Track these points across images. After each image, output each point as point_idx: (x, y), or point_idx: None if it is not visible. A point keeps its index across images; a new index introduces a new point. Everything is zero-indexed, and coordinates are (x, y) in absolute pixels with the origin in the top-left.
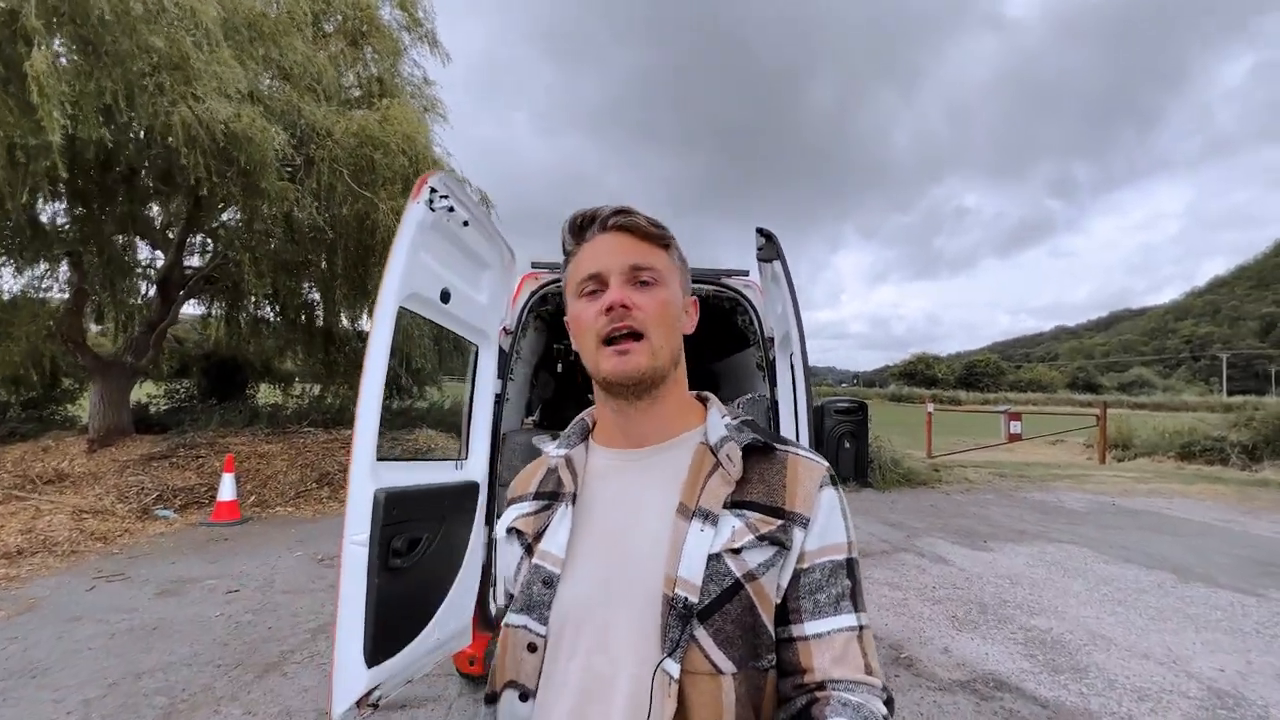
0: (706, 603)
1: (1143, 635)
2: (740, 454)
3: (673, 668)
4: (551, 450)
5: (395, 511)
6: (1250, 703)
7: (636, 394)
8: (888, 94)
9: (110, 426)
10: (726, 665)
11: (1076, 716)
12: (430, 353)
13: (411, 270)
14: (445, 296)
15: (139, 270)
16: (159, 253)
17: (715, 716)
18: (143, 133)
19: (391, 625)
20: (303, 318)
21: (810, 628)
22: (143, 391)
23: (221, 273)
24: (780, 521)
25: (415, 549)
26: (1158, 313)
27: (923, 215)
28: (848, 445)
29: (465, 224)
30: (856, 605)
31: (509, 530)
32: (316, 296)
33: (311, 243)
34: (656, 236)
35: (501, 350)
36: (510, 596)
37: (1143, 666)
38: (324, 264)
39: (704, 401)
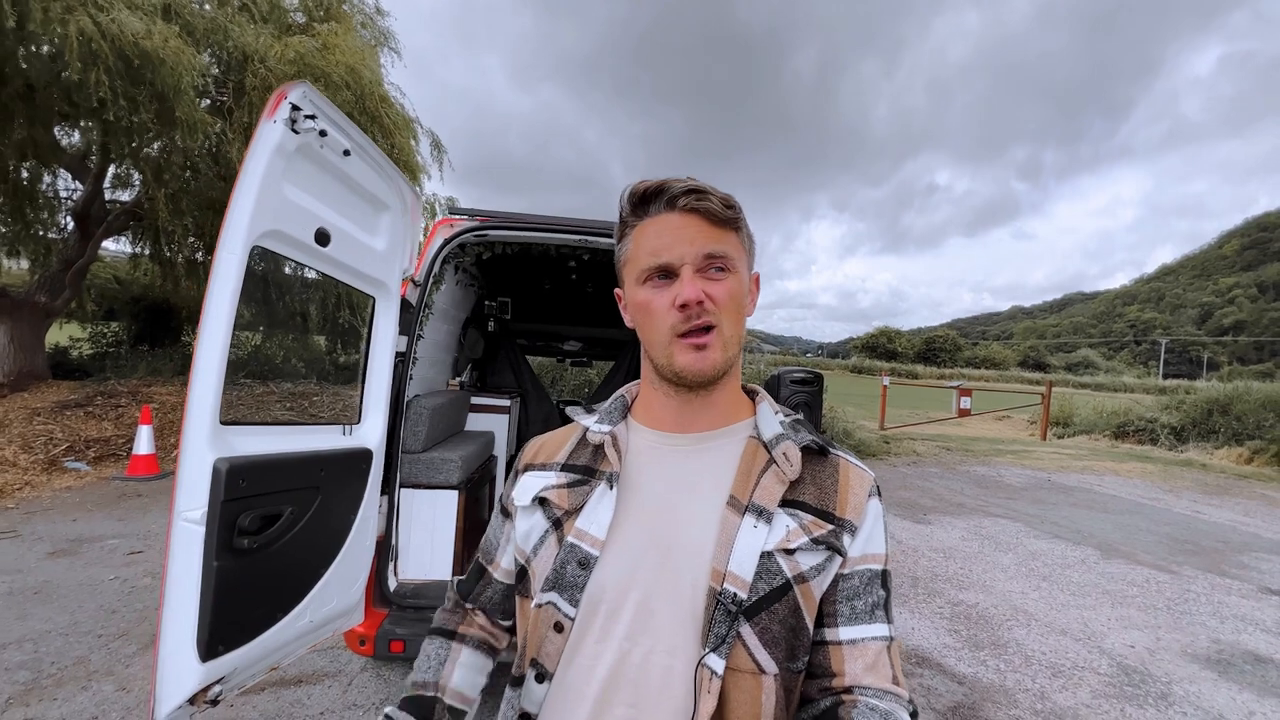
0: (755, 600)
1: (1063, 610)
2: (799, 454)
3: (717, 664)
4: (591, 424)
5: (243, 484)
6: (1155, 679)
7: (705, 385)
8: (869, 66)
9: (21, 371)
10: (770, 665)
11: (992, 693)
12: None
13: (269, 203)
14: (323, 238)
15: (56, 202)
16: (79, 184)
17: (754, 716)
18: (45, 46)
19: (238, 612)
20: None
21: (845, 633)
22: (65, 334)
23: (147, 209)
24: (832, 526)
25: (273, 526)
26: (1108, 297)
27: (894, 190)
28: (802, 415)
29: (346, 153)
30: (889, 616)
31: (535, 499)
32: None
33: None
34: (729, 220)
35: (408, 304)
36: (522, 567)
37: (1059, 642)
38: None
39: (751, 395)
